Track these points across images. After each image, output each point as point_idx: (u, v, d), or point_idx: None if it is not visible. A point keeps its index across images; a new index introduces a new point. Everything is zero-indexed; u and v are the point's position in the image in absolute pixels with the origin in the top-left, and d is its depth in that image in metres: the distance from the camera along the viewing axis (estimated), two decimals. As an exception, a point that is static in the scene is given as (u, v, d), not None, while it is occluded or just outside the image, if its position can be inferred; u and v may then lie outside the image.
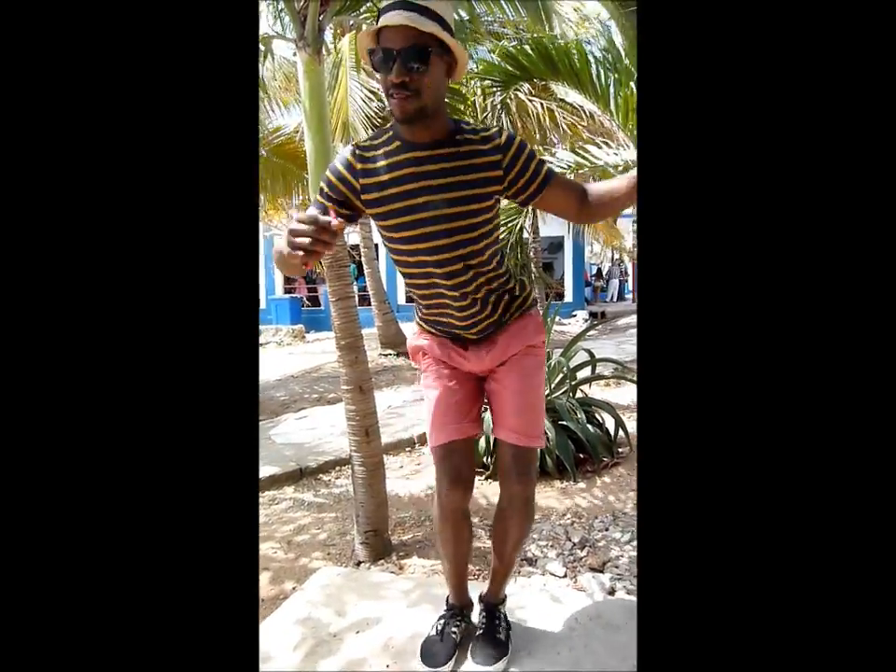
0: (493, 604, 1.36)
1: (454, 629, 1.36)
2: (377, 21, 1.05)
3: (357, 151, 1.17)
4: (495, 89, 3.81)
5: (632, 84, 3.26)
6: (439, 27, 1.04)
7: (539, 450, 1.27)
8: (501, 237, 3.85)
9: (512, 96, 5.38)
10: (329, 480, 3.15)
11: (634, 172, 1.08)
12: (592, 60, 3.31)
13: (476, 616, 1.39)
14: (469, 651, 1.31)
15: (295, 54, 2.13)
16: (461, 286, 1.18)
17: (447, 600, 1.43)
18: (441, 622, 1.38)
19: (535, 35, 3.34)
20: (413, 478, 3.14)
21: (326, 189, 1.18)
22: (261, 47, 2.32)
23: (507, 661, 1.29)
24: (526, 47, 3.36)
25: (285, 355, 8.51)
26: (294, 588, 1.86)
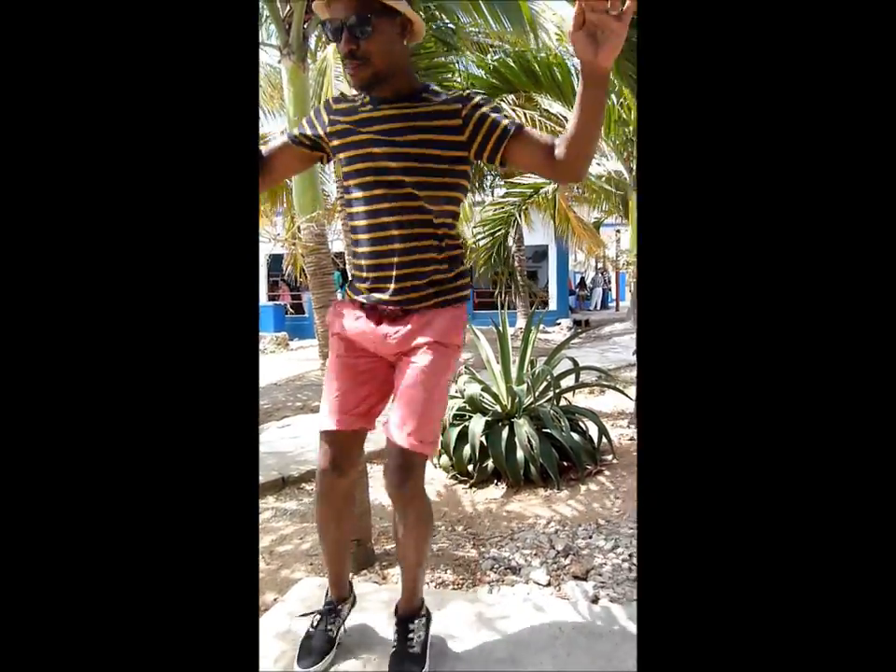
0: (403, 617, 1.31)
1: (329, 626, 1.34)
2: None
3: (333, 100, 1.27)
4: None
5: (612, 96, 3.31)
6: None
7: (423, 457, 1.18)
8: (485, 243, 3.89)
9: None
10: (312, 489, 3.12)
11: (580, 89, 1.02)
12: (573, 71, 3.36)
13: (391, 631, 1.33)
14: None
15: (279, 61, 2.13)
16: (401, 228, 1.18)
17: (326, 593, 1.41)
18: (317, 618, 1.36)
19: (518, 49, 3.40)
20: (396, 486, 3.12)
21: (302, 126, 1.27)
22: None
23: (427, 669, 1.24)
24: (509, 60, 3.40)
25: (268, 362, 8.43)
26: (275, 599, 1.83)
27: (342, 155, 1.23)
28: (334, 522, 1.34)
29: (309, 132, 1.26)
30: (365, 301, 1.25)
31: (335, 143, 1.23)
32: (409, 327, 1.21)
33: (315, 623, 1.36)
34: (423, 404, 1.17)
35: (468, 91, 1.20)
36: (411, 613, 1.32)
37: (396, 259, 1.19)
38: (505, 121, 1.15)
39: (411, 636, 1.28)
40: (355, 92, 1.24)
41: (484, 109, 1.15)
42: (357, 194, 1.22)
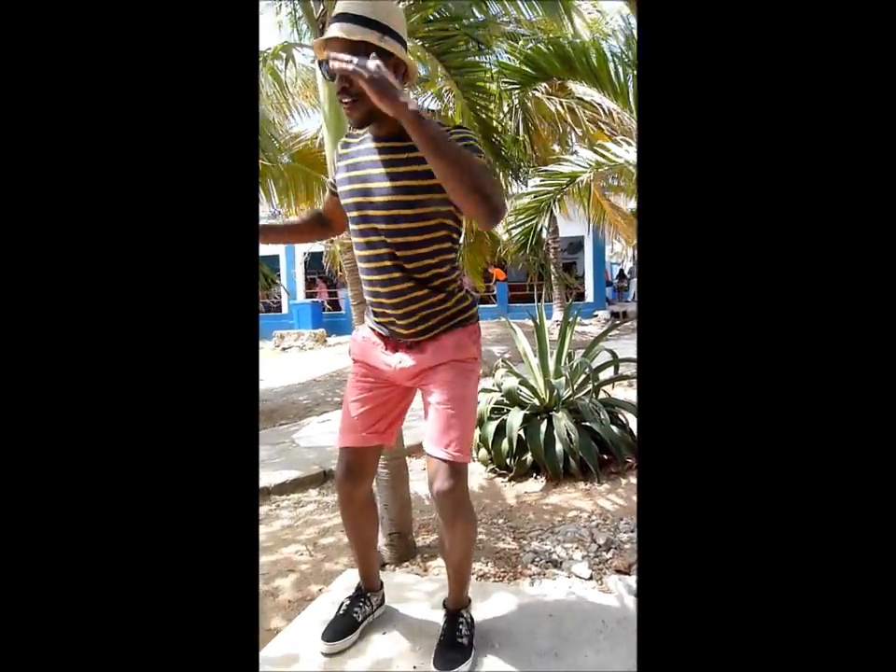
0: (452, 610, 1.38)
1: (356, 609, 1.44)
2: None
3: (342, 142, 1.32)
4: (513, 90, 3.80)
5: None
6: (375, 34, 1.10)
7: (462, 466, 1.24)
8: (516, 237, 3.85)
9: (530, 96, 5.36)
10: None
11: (470, 159, 1.02)
12: (610, 57, 3.28)
13: (432, 622, 1.41)
14: (432, 661, 1.30)
15: (313, 61, 2.16)
16: (389, 273, 1.21)
17: (358, 584, 1.52)
18: (346, 602, 1.46)
19: (551, 36, 3.33)
20: (435, 480, 3.14)
21: (330, 178, 1.39)
22: (282, 54, 2.36)
23: (471, 663, 1.29)
24: (542, 47, 3.34)
25: (307, 359, 8.59)
26: (320, 590, 1.88)
27: (340, 189, 1.27)
28: (354, 527, 1.45)
29: (333, 185, 1.36)
30: (381, 331, 1.32)
31: (338, 177, 1.29)
32: (424, 354, 1.28)
33: (342, 607, 1.46)
34: (454, 418, 1.24)
35: (455, 130, 1.18)
36: (461, 606, 1.39)
37: (389, 302, 1.25)
38: (456, 136, 1.13)
39: (459, 627, 1.34)
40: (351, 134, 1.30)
41: (462, 135, 1.15)
42: (353, 232, 1.28)
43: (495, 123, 3.37)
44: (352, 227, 1.27)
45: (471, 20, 2.73)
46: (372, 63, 0.96)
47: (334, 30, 1.11)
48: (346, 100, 1.14)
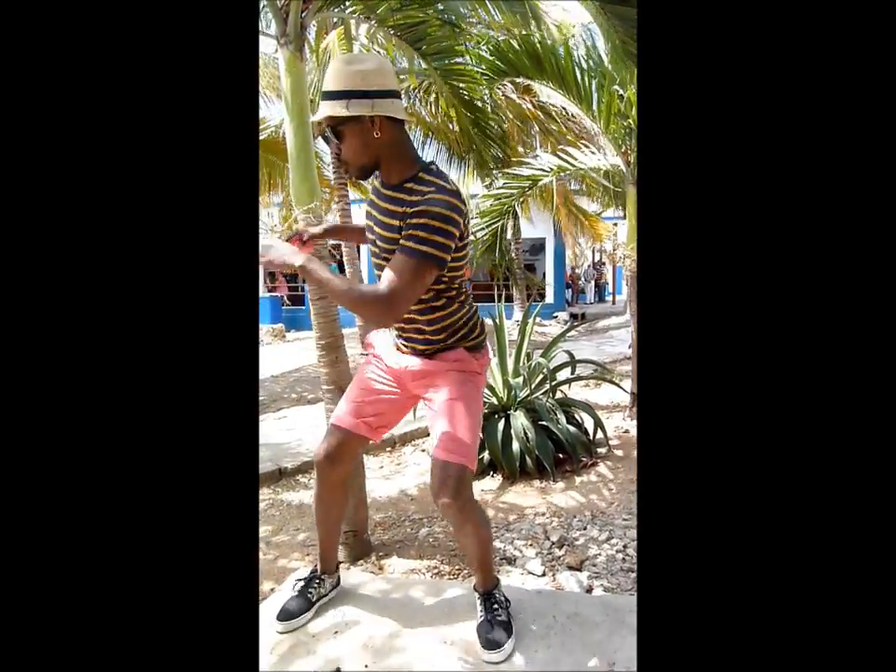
0: (486, 591, 1.41)
1: (310, 590, 1.48)
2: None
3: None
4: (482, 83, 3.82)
5: (615, 87, 3.29)
6: (341, 103, 1.14)
7: (467, 470, 1.27)
8: (483, 238, 3.88)
9: (501, 96, 5.40)
10: (308, 480, 3.13)
11: (353, 294, 1.16)
12: (577, 62, 3.34)
13: (477, 606, 1.43)
14: (477, 645, 1.32)
15: (276, 51, 2.11)
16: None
17: (314, 566, 1.56)
18: (301, 583, 1.50)
19: (523, 33, 3.34)
20: (393, 478, 3.14)
21: None
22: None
23: (514, 639, 1.33)
24: (514, 42, 3.36)
25: (264, 354, 8.42)
26: (272, 589, 1.84)
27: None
28: (324, 505, 1.48)
29: None
30: (398, 343, 1.41)
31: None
32: (430, 360, 1.36)
33: (296, 587, 1.49)
34: (453, 422, 1.28)
35: (437, 197, 1.14)
36: (491, 587, 1.41)
37: (398, 333, 1.37)
38: (412, 245, 1.12)
39: (496, 606, 1.37)
40: None
41: (413, 223, 1.12)
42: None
43: (480, 104, 3.38)
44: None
45: (441, 4, 2.68)
46: (262, 255, 1.16)
47: (316, 113, 1.22)
48: (343, 166, 1.27)
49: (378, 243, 1.27)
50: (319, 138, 1.29)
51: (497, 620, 1.35)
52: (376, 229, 1.27)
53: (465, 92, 3.16)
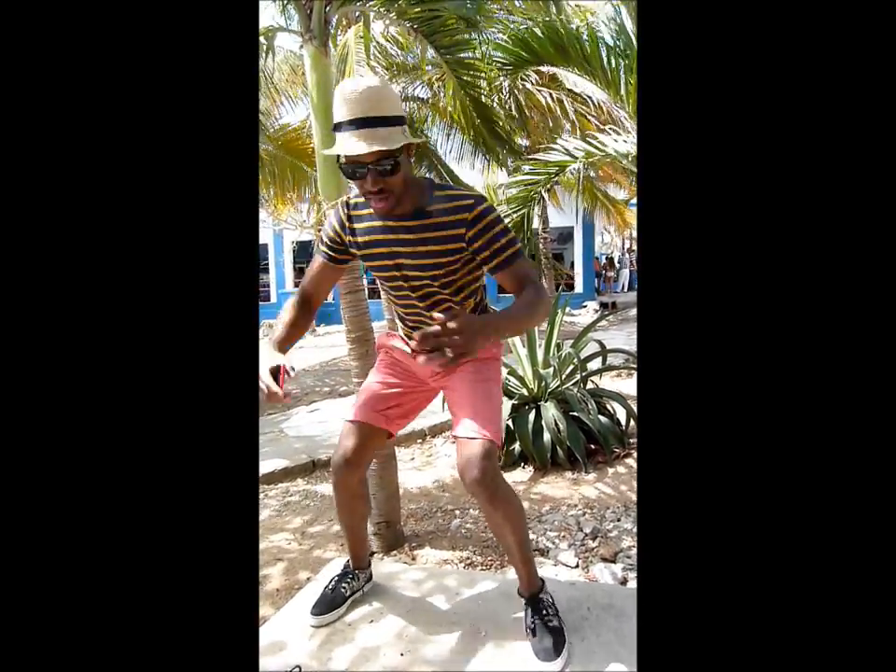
0: (531, 596, 1.34)
1: (343, 585, 1.49)
2: (336, 128, 1.11)
3: (347, 210, 1.31)
4: (503, 73, 3.77)
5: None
6: (401, 131, 1.11)
7: (494, 446, 1.23)
8: (511, 226, 3.85)
9: (520, 87, 5.32)
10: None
11: (536, 307, 1.14)
12: (602, 45, 3.26)
13: (524, 614, 1.36)
14: (532, 654, 1.26)
15: (301, 47, 2.13)
16: (429, 311, 1.30)
17: (346, 562, 1.58)
18: (335, 578, 1.52)
19: (546, 20, 3.29)
20: (424, 469, 3.16)
21: (327, 241, 1.34)
22: (263, 40, 2.31)
23: (568, 644, 1.26)
24: (536, 30, 3.31)
25: (295, 348, 8.56)
26: (308, 578, 1.88)
27: (367, 263, 1.34)
28: (346, 509, 1.48)
29: (337, 247, 1.34)
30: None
31: (357, 252, 1.32)
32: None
33: (331, 583, 1.51)
34: (477, 403, 1.28)
35: (477, 205, 1.19)
36: (537, 590, 1.35)
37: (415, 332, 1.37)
38: (507, 252, 1.20)
39: (544, 612, 1.31)
40: (356, 198, 1.29)
41: (488, 236, 1.19)
42: (386, 288, 1.35)
43: (485, 100, 3.36)
44: (385, 284, 1.34)
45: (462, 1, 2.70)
46: (457, 337, 0.89)
47: (363, 145, 1.07)
48: (381, 195, 1.14)
49: (415, 272, 1.25)
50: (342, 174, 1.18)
51: (549, 627, 1.28)
52: (407, 261, 1.25)
53: (473, 90, 3.15)
